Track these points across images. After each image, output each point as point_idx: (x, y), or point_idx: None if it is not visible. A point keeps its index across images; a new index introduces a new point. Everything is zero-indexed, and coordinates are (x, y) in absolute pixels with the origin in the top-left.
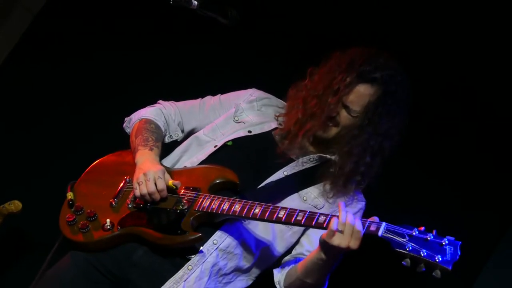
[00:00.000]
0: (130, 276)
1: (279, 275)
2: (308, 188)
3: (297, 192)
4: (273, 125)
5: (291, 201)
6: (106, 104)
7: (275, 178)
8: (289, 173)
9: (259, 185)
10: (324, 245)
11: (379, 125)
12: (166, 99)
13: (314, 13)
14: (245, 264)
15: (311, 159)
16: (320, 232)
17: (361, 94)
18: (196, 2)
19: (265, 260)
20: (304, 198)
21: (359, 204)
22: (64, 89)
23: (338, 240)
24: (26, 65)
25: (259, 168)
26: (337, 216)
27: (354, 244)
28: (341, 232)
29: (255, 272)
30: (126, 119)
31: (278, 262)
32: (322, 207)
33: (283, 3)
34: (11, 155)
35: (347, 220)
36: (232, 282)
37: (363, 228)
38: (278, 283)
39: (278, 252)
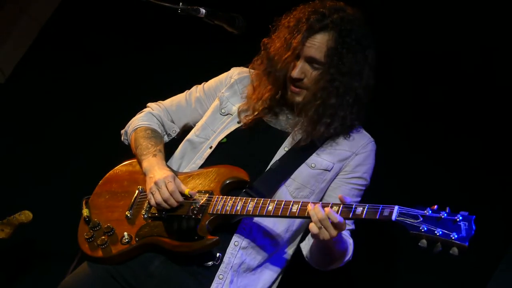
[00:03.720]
0: (148, 287)
1: (305, 241)
2: (313, 154)
3: (304, 162)
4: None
5: (301, 172)
6: (117, 111)
7: (278, 157)
8: (290, 146)
9: (265, 170)
10: (316, 239)
11: (341, 65)
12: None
13: None
14: (274, 249)
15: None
16: (337, 192)
17: (318, 44)
18: (204, 11)
19: (294, 235)
20: (312, 165)
21: (368, 147)
22: (75, 97)
23: (322, 235)
24: (34, 74)
25: (260, 154)
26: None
27: (340, 230)
28: (321, 227)
29: (289, 247)
30: (122, 132)
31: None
32: (332, 167)
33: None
34: (22, 165)
35: (318, 216)
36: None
37: (378, 214)
38: (303, 250)
39: (302, 224)
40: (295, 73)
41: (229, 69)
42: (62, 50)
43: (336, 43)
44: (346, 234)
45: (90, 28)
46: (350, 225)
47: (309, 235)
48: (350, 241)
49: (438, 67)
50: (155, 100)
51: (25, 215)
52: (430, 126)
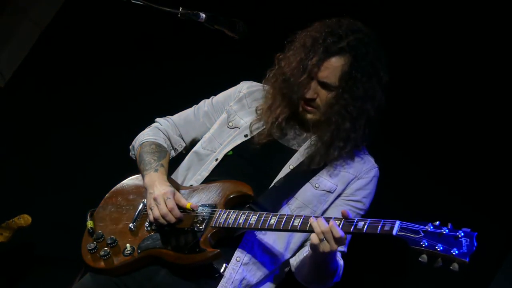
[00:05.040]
0: None
1: (295, 257)
2: (318, 174)
3: (308, 181)
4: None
5: (305, 192)
6: (118, 115)
7: (282, 175)
8: (295, 164)
9: (269, 186)
10: (315, 250)
11: (355, 90)
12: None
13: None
14: (274, 266)
15: (312, 143)
16: (336, 211)
17: (333, 68)
18: (204, 15)
19: (293, 253)
20: (316, 185)
21: (371, 173)
22: (76, 102)
23: (323, 247)
24: (34, 78)
25: (265, 170)
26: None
27: (340, 244)
28: (323, 239)
29: (286, 266)
30: (130, 147)
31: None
32: (335, 189)
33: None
34: (21, 169)
35: (321, 228)
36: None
37: (379, 229)
38: (291, 265)
39: (301, 242)
40: (309, 94)
41: (234, 78)
42: (63, 54)
43: (351, 68)
44: (337, 256)
45: (91, 33)
46: (342, 247)
47: (300, 251)
48: (341, 263)
49: (438, 71)
50: (159, 103)
51: (24, 219)
52: (429, 133)
